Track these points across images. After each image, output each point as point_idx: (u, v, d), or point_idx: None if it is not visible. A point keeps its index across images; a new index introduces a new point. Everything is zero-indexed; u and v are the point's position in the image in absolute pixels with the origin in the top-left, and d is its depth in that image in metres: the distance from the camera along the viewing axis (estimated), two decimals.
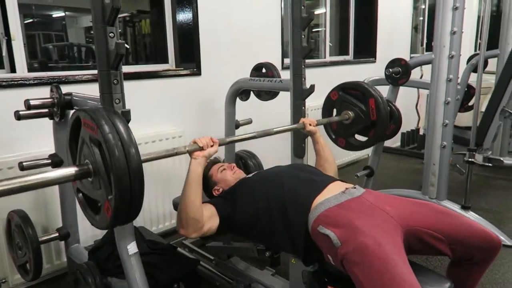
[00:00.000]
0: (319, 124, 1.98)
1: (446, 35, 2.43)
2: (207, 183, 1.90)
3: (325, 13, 4.17)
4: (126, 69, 2.57)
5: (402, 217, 1.34)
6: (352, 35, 4.45)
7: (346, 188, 1.45)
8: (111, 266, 1.71)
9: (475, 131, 2.54)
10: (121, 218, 1.09)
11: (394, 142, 4.61)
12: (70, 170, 1.07)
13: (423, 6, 5.62)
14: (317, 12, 4.44)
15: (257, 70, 2.48)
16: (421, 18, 5.57)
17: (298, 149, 2.21)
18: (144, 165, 1.09)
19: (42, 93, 1.76)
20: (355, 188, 1.47)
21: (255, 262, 2.07)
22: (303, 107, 2.15)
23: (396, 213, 1.34)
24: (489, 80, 3.78)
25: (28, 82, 2.04)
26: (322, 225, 1.31)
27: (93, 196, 1.13)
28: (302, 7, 2.01)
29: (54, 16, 3.50)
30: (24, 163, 1.73)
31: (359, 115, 2.03)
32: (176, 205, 2.07)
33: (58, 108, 1.58)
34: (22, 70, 2.15)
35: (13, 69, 2.15)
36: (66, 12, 3.56)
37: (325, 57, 4.15)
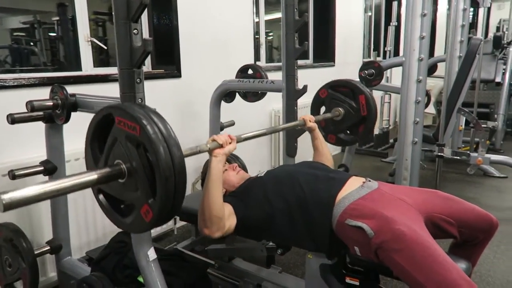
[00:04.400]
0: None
1: (416, 39, 2.61)
2: None
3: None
4: (98, 71, 2.45)
5: (418, 205, 1.44)
6: (312, 40, 4.62)
7: (364, 182, 1.52)
8: (119, 277, 1.62)
9: (443, 128, 2.77)
10: (163, 219, 1.04)
11: None
12: (102, 172, 0.99)
13: (370, 13, 5.99)
14: (277, 16, 4.56)
15: (243, 71, 2.50)
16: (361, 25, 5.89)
17: (291, 149, 2.26)
18: None
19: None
20: (370, 181, 1.54)
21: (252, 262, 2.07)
22: (295, 107, 2.20)
23: (413, 202, 1.44)
24: (429, 83, 4.15)
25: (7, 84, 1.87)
26: (351, 218, 1.36)
27: (124, 198, 1.07)
28: (295, 10, 2.07)
29: None
30: (15, 172, 1.60)
31: (350, 112, 2.11)
32: None
33: (64, 110, 1.47)
34: None
35: None
36: None
37: None
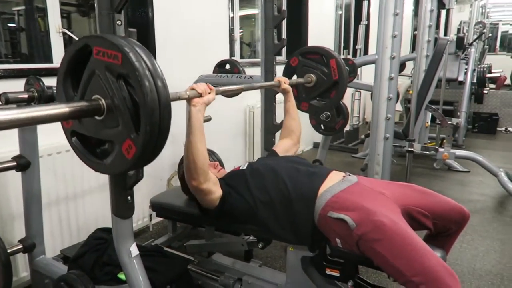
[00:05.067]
0: None
1: (388, 38, 2.70)
2: None
3: (259, 14, 4.31)
4: None
5: (396, 198, 1.49)
6: (285, 37, 4.66)
7: (344, 176, 1.56)
8: (98, 274, 1.59)
9: (413, 124, 2.87)
10: (146, 156, 0.95)
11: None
12: (77, 105, 0.90)
13: (340, 12, 6.10)
14: (248, 12, 4.57)
15: (221, 66, 2.48)
16: (333, 23, 6.01)
17: (269, 144, 2.28)
18: None
19: None
20: (349, 175, 1.58)
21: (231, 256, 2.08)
22: (274, 103, 2.22)
23: (391, 195, 1.49)
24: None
25: None
26: (333, 211, 1.39)
27: (102, 136, 0.98)
28: (274, 6, 2.09)
29: None
30: None
31: (321, 77, 2.09)
32: (154, 204, 1.98)
33: (40, 103, 1.41)
34: None
35: None
36: None
37: None
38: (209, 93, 1.39)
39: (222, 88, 1.51)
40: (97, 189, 2.27)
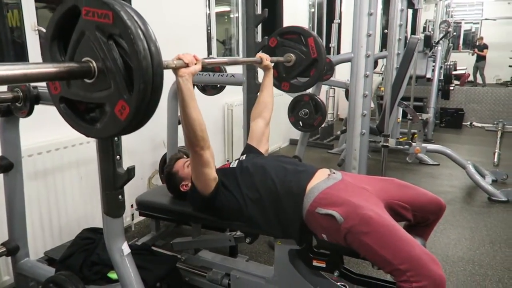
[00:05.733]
0: None
1: (363, 37, 2.78)
2: (173, 179, 1.88)
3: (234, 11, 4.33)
4: None
5: (378, 192, 1.57)
6: (260, 35, 4.69)
7: (329, 174, 1.62)
8: (87, 274, 1.58)
9: (388, 120, 2.98)
10: (140, 116, 0.92)
11: (299, 134, 5.02)
12: (67, 66, 0.87)
13: (312, 10, 6.20)
14: (224, 9, 4.58)
15: None
16: (307, 22, 6.11)
17: None
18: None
19: None
20: (334, 173, 1.64)
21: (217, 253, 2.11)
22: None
23: (374, 190, 1.57)
24: None
25: None
26: (320, 207, 1.45)
27: (93, 100, 0.95)
28: (255, 5, 2.12)
29: None
30: None
31: (301, 56, 2.13)
32: (139, 203, 1.98)
33: (26, 103, 1.39)
34: None
35: None
36: None
37: (239, 55, 4.31)
38: (195, 64, 1.39)
39: (207, 60, 1.51)
40: (79, 190, 2.24)
